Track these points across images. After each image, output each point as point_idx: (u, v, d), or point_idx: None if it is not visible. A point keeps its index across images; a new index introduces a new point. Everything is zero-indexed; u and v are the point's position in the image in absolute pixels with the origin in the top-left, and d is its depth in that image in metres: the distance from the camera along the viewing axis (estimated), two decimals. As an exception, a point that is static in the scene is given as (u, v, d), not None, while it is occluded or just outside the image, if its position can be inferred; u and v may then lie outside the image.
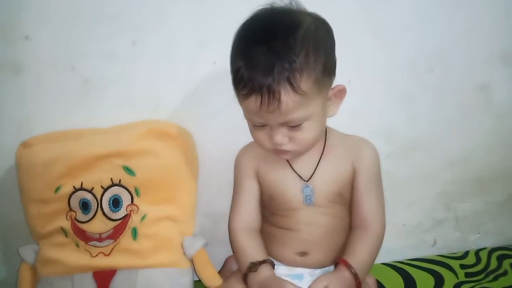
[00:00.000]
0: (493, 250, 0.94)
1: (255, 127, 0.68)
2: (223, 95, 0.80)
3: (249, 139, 0.79)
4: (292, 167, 0.72)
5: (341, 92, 0.68)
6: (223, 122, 0.83)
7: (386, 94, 0.86)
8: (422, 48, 0.84)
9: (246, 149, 0.78)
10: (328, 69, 0.65)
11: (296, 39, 0.61)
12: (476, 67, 0.87)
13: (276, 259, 0.73)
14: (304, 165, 0.72)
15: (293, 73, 0.60)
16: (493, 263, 0.90)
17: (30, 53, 0.77)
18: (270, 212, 0.74)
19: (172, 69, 0.80)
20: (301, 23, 0.62)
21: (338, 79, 0.70)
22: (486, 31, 0.85)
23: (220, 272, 0.79)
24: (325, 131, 0.74)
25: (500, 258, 0.91)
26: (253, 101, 0.62)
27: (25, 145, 0.75)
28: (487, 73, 0.88)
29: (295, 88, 0.60)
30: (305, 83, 0.61)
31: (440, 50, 0.85)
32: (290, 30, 0.61)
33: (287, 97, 0.61)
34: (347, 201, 0.73)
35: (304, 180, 0.71)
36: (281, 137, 0.65)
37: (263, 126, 0.67)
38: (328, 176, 0.71)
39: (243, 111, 0.69)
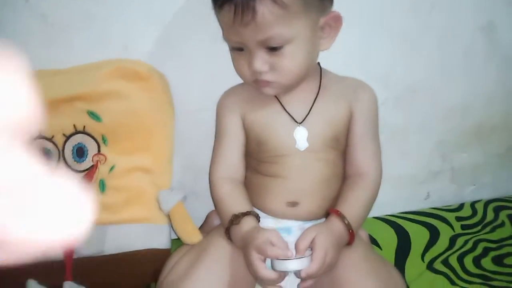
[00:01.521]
0: (489, 201, 0.90)
1: (234, 52, 0.62)
2: (202, 34, 0.72)
3: (230, 85, 0.71)
4: (284, 108, 0.65)
5: (336, 20, 0.60)
6: (202, 67, 0.74)
7: (384, 35, 0.77)
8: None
9: (229, 92, 0.70)
10: None
11: None
12: (480, 5, 0.79)
13: (263, 211, 0.67)
14: (297, 105, 0.65)
15: None
16: (490, 215, 0.86)
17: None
18: (257, 160, 0.67)
19: (143, 7, 0.69)
20: None
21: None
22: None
23: (201, 228, 0.73)
24: (320, 71, 0.67)
25: (497, 210, 0.88)
26: (227, 12, 0.56)
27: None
28: (492, 11, 0.80)
29: None
30: None
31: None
32: None
33: (263, 6, 0.54)
34: (342, 146, 0.67)
35: (297, 122, 0.64)
36: (261, 63, 0.58)
37: (241, 50, 0.60)
38: (324, 117, 0.65)
39: (222, 33, 0.61)
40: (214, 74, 0.74)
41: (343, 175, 0.68)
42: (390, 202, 0.89)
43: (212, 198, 0.68)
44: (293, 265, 0.55)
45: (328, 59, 0.70)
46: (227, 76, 0.69)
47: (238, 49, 0.61)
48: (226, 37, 0.61)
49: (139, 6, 0.69)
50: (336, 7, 0.63)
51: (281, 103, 0.65)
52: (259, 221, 0.62)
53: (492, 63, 0.83)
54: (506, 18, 0.81)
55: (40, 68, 0.69)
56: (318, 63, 0.69)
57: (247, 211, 0.61)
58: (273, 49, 0.57)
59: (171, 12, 0.70)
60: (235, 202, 0.63)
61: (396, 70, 0.80)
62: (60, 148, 0.64)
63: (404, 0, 0.75)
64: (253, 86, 0.64)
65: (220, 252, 0.62)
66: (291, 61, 0.58)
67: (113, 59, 0.67)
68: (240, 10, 0.54)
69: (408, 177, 0.90)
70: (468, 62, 0.82)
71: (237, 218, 0.60)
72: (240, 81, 0.69)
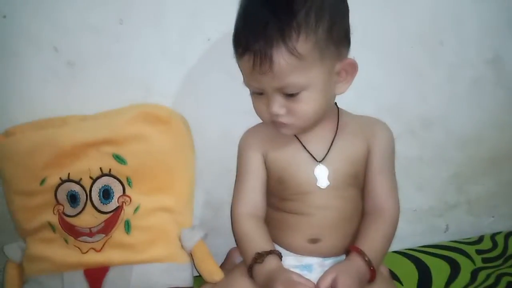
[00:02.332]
0: (509, 233, 0.89)
1: (254, 95, 0.65)
2: (219, 74, 0.75)
3: (248, 122, 0.74)
4: (304, 147, 0.67)
5: (352, 66, 0.63)
6: (219, 105, 0.77)
7: (394, 68, 0.80)
8: (432, 19, 0.78)
9: (251, 131, 0.73)
10: (335, 35, 0.59)
11: None
12: (488, 39, 0.82)
13: (285, 248, 0.68)
14: (317, 144, 0.67)
15: (289, 31, 0.56)
16: (511, 247, 0.85)
17: (8, 33, 0.71)
18: (279, 197, 0.69)
19: (163, 48, 0.74)
20: None
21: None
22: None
23: (222, 265, 0.74)
24: (337, 111, 0.70)
25: (518, 242, 0.86)
26: (247, 61, 0.59)
27: (6, 134, 0.70)
28: (499, 45, 0.83)
29: (289, 48, 0.56)
30: (302, 45, 0.56)
31: (450, 21, 0.79)
32: None
33: (280, 57, 0.56)
34: (361, 184, 0.68)
35: (317, 161, 0.66)
36: (278, 107, 0.61)
37: (260, 94, 0.62)
38: (343, 155, 0.66)
39: (243, 79, 0.65)
40: (232, 112, 0.77)
41: (362, 211, 0.69)
42: (409, 236, 0.89)
43: (234, 234, 0.69)
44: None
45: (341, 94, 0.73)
46: (245, 114, 0.71)
47: (257, 93, 0.63)
48: (246, 83, 0.64)
49: (159, 46, 0.73)
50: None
51: (301, 142, 0.67)
52: (281, 259, 0.63)
53: (501, 93, 0.85)
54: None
55: (64, 111, 0.73)
56: (336, 103, 0.72)
57: (271, 250, 0.62)
58: (290, 95, 0.60)
59: (190, 52, 0.74)
60: (258, 239, 0.64)
61: (408, 103, 0.82)
62: (87, 191, 0.66)
63: (413, 35, 0.78)
64: (271, 127, 0.66)
65: (242, 291, 0.62)
66: (307, 105, 0.61)
67: (136, 105, 0.71)
68: (258, 60, 0.57)
69: (425, 210, 0.90)
70: (478, 93, 0.84)
71: (260, 257, 0.61)
72: (258, 119, 0.71)
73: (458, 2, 0.79)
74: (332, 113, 0.69)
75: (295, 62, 0.57)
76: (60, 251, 0.66)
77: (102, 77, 0.75)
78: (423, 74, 0.81)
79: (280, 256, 0.63)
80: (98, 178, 0.66)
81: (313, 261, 0.66)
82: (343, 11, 0.62)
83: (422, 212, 0.90)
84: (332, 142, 0.67)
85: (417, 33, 0.79)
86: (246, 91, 0.68)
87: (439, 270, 0.80)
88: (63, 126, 0.68)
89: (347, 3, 0.63)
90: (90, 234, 0.66)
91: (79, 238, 0.66)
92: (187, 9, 0.72)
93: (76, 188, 0.66)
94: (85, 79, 0.74)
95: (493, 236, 0.89)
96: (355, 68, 0.63)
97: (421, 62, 0.81)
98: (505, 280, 0.78)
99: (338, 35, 0.60)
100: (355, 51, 0.74)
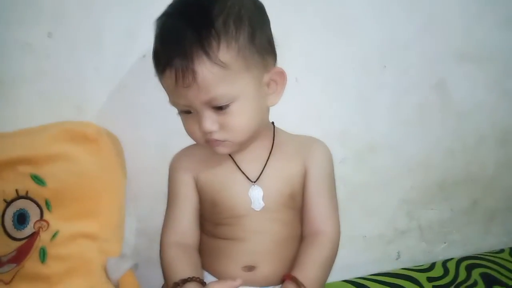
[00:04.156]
0: (461, 260, 0.87)
1: (182, 115, 0.61)
2: (155, 93, 0.71)
3: (187, 143, 0.70)
4: (238, 167, 0.64)
5: (280, 75, 0.61)
6: (156, 125, 0.74)
7: (338, 93, 0.79)
8: (375, 43, 0.78)
9: (181, 153, 0.69)
10: (258, 43, 0.57)
11: (213, 6, 0.55)
12: (432, 64, 0.82)
13: (218, 277, 0.63)
14: (251, 164, 0.64)
15: (208, 40, 0.53)
16: (462, 274, 0.83)
17: None
18: (213, 223, 0.65)
19: (96, 64, 0.70)
20: None
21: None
22: (442, 27, 0.81)
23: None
24: (273, 130, 0.68)
25: (469, 268, 0.84)
26: (169, 77, 0.56)
27: None
28: (443, 70, 0.83)
29: (211, 57, 0.53)
30: (224, 53, 0.54)
31: (394, 46, 0.79)
32: (208, 0, 0.55)
33: (202, 67, 0.54)
34: (299, 206, 0.65)
35: (252, 181, 0.62)
36: (210, 123, 0.57)
37: (189, 113, 0.59)
38: (278, 175, 0.64)
39: (168, 99, 0.61)
40: (168, 133, 0.73)
41: (301, 237, 0.65)
42: (360, 264, 0.86)
43: (161, 264, 0.64)
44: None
45: (284, 118, 0.71)
46: (182, 134, 0.68)
47: (186, 112, 0.60)
48: (172, 102, 0.61)
49: (92, 63, 0.69)
50: (288, 65, 0.63)
51: (235, 162, 0.64)
52: (204, 285, 0.58)
53: (448, 118, 0.85)
54: (456, 75, 0.84)
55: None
56: (272, 123, 0.69)
57: (189, 277, 0.57)
58: (219, 108, 0.57)
59: (124, 71, 0.71)
60: (180, 268, 0.60)
61: (353, 127, 0.81)
62: (0, 215, 0.60)
63: (355, 59, 0.78)
64: (206, 147, 0.63)
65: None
66: (239, 118, 0.58)
67: (61, 122, 0.66)
68: (180, 73, 0.54)
69: (375, 236, 0.87)
70: (424, 119, 0.84)
71: (176, 286, 0.56)
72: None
73: (402, 29, 0.79)
74: (268, 132, 0.66)
75: (219, 72, 0.54)
76: (-37, 285, 0.59)
77: (31, 95, 0.70)
78: (368, 98, 0.80)
79: (202, 283, 0.58)
80: (13, 200, 0.61)
81: (248, 291, 0.61)
82: (262, 20, 0.61)
83: (372, 239, 0.87)
84: (267, 161, 0.64)
85: (361, 57, 0.78)
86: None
87: (389, 300, 0.77)
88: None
89: (265, 13, 0.62)
90: (0, 264, 0.59)
91: (-14, 269, 0.59)
92: (122, 25, 0.69)
93: (-12, 212, 0.60)
94: (12, 97, 0.70)
95: (444, 263, 0.86)
96: (283, 77, 0.61)
97: (365, 86, 0.80)
98: (455, 308, 0.75)
99: (261, 43, 0.58)
100: (297, 74, 0.74)
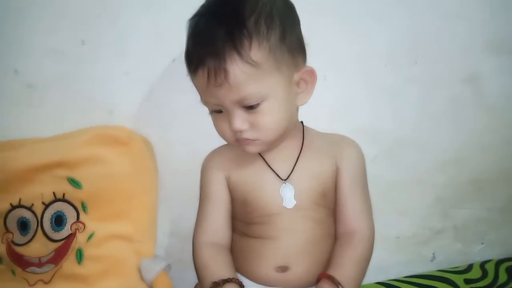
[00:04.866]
0: (500, 261, 0.83)
1: (213, 114, 0.62)
2: (185, 96, 0.73)
3: (217, 145, 0.71)
4: (269, 166, 0.64)
5: (310, 75, 0.61)
6: (187, 127, 0.75)
7: (367, 89, 0.78)
8: (403, 37, 0.77)
9: (213, 153, 0.70)
10: (288, 43, 0.58)
11: (245, 5, 0.55)
12: (463, 57, 0.80)
13: (251, 278, 0.63)
14: (282, 162, 0.64)
15: (240, 39, 0.54)
16: (502, 276, 0.79)
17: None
18: (244, 222, 0.65)
19: (126, 69, 0.72)
20: None
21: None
22: (472, 17, 0.78)
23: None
24: (303, 129, 0.67)
25: (509, 270, 0.81)
26: (201, 76, 0.56)
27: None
28: (476, 63, 0.80)
29: (243, 56, 0.54)
30: (256, 52, 0.55)
31: (423, 39, 0.77)
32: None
33: (234, 66, 0.54)
34: (331, 204, 0.64)
35: (282, 179, 0.62)
36: (240, 122, 0.58)
37: (220, 112, 0.60)
38: (309, 173, 0.63)
39: (200, 98, 0.62)
40: (199, 134, 0.73)
41: (334, 237, 0.64)
42: (393, 265, 0.84)
43: (194, 264, 0.64)
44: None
45: (312, 116, 0.70)
46: (212, 136, 0.68)
47: (217, 112, 0.61)
48: (203, 101, 0.61)
49: (122, 68, 0.71)
50: (316, 62, 0.63)
51: (265, 161, 0.64)
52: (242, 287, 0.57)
53: (482, 113, 0.82)
54: (490, 68, 0.81)
55: (23, 134, 0.70)
56: (301, 122, 0.69)
57: (229, 278, 0.57)
58: (250, 108, 0.57)
59: (155, 73, 0.72)
60: (216, 268, 0.60)
61: (383, 123, 0.79)
62: (39, 217, 0.62)
63: (387, 54, 0.76)
64: (236, 146, 0.63)
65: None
66: (269, 117, 0.58)
67: (95, 126, 0.68)
68: (213, 72, 0.55)
69: (408, 237, 0.85)
70: (457, 113, 0.81)
71: (216, 286, 0.56)
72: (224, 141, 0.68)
73: (432, 22, 0.77)
74: (297, 131, 0.66)
75: (250, 71, 0.55)
76: (6, 285, 0.61)
77: (63, 100, 0.72)
78: (397, 93, 0.79)
79: (240, 284, 0.58)
80: (51, 203, 0.63)
81: (281, 292, 0.61)
82: (293, 19, 0.61)
83: (405, 239, 0.85)
84: (297, 159, 0.63)
85: (389, 52, 0.77)
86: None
87: (425, 302, 0.74)
88: (16, 149, 0.65)
89: (296, 12, 0.62)
90: (39, 264, 0.61)
91: (27, 269, 0.61)
92: (151, 30, 0.71)
93: (27, 214, 0.62)
94: (46, 102, 0.72)
95: (482, 265, 0.83)
96: (314, 76, 0.61)
97: (394, 82, 0.79)
98: (495, 311, 0.72)
99: (291, 43, 0.58)
100: (325, 72, 0.73)
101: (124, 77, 0.72)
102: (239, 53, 0.54)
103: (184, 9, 0.68)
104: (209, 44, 0.55)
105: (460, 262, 0.85)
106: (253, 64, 0.54)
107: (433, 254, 0.87)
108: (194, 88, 0.68)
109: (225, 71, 0.54)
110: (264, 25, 0.55)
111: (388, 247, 0.84)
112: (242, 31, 0.54)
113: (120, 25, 0.71)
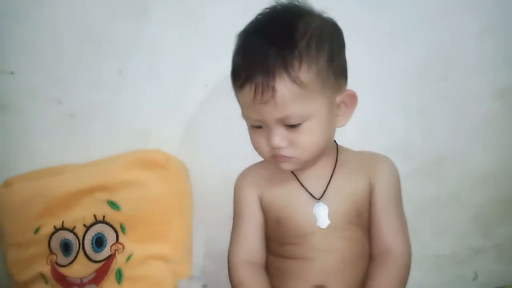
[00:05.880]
0: (546, 281, 0.80)
1: (252, 129, 0.62)
2: (217, 119, 0.75)
3: (249, 165, 0.72)
4: (302, 185, 0.64)
5: (351, 98, 0.62)
6: (219, 150, 0.76)
7: (398, 106, 0.78)
8: (433, 54, 0.77)
9: (246, 171, 0.71)
10: (335, 66, 0.59)
11: (297, 26, 0.57)
12: (493, 72, 0.79)
13: (287, 299, 0.62)
14: (315, 181, 0.64)
15: (291, 59, 0.55)
16: (549, 296, 0.76)
17: (15, 89, 0.75)
18: (278, 242, 0.65)
19: (161, 95, 0.75)
20: (304, 14, 0.59)
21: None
22: (500, 32, 0.78)
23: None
24: (336, 147, 0.68)
25: (557, 290, 0.77)
26: (247, 91, 0.57)
27: (5, 184, 0.71)
28: (506, 78, 0.79)
29: (292, 76, 0.55)
30: (304, 74, 0.56)
31: (452, 55, 0.77)
32: (292, 20, 0.58)
33: (282, 85, 0.55)
34: (366, 224, 0.64)
35: (316, 198, 0.62)
36: (280, 139, 0.58)
37: (260, 127, 0.61)
38: (343, 192, 0.63)
39: (241, 112, 0.63)
40: (232, 157, 0.75)
41: (369, 257, 0.63)
42: (433, 285, 0.82)
43: (231, 283, 0.65)
44: None
45: (345, 134, 0.70)
46: (246, 157, 0.70)
47: (256, 127, 0.62)
48: (245, 115, 0.62)
49: (157, 94, 0.74)
50: (347, 80, 0.65)
51: (298, 180, 0.65)
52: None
53: (516, 128, 0.80)
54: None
55: (65, 161, 0.74)
56: (334, 141, 0.70)
57: None
58: (291, 126, 0.58)
59: (188, 98, 0.74)
60: (255, 287, 0.60)
61: (416, 141, 0.78)
62: (81, 239, 0.65)
63: (416, 71, 0.76)
64: (271, 162, 0.64)
65: None
66: (309, 137, 0.59)
67: (132, 151, 0.71)
68: (260, 89, 0.56)
69: (447, 256, 0.82)
70: (490, 129, 0.79)
71: None
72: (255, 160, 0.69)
73: (460, 38, 0.77)
74: (331, 150, 0.67)
75: (297, 91, 0.56)
76: (50, 304, 0.63)
77: (102, 127, 0.76)
78: (428, 110, 0.78)
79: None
80: (91, 225, 0.65)
81: (319, 313, 0.60)
82: (340, 44, 0.62)
83: (445, 258, 0.82)
84: (331, 178, 0.63)
85: (420, 69, 0.77)
86: (246, 135, 0.66)
87: (468, 324, 0.71)
88: (58, 174, 0.69)
89: (343, 37, 0.63)
90: (81, 284, 0.63)
91: (69, 290, 0.63)
92: (183, 57, 0.74)
93: (70, 236, 0.65)
94: (86, 130, 0.76)
95: (528, 284, 0.80)
96: (355, 100, 0.62)
97: (425, 98, 0.78)
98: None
99: (338, 66, 0.60)
100: (354, 89, 0.73)
101: (159, 103, 0.75)
102: (288, 73, 0.55)
103: (215, 36, 0.72)
104: (260, 61, 0.56)
105: (504, 282, 0.82)
106: (301, 84, 0.56)
107: (475, 273, 0.84)
108: (225, 112, 0.71)
109: (273, 89, 0.55)
110: (314, 48, 0.56)
111: (426, 266, 0.82)
112: (293, 52, 0.55)
113: (154, 54, 0.74)
